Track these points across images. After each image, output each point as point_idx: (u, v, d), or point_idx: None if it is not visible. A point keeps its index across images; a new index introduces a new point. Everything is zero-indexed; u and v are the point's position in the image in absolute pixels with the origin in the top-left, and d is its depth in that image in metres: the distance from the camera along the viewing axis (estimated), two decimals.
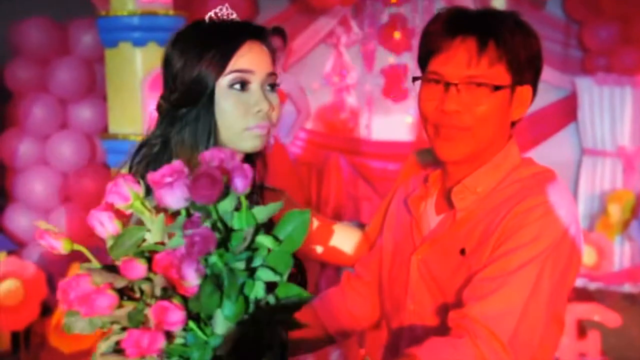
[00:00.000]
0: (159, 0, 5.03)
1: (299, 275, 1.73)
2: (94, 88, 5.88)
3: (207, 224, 1.18)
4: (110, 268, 1.21)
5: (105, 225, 1.24)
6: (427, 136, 1.69)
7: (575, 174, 6.90)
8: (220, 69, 1.65)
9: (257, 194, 1.75)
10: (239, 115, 1.66)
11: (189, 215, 1.19)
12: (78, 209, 5.86)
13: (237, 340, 1.17)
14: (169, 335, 1.16)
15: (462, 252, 1.63)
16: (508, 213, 1.58)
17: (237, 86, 1.66)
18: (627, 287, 6.41)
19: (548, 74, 6.46)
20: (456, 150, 1.64)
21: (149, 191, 1.24)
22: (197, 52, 1.66)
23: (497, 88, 1.60)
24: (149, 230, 1.24)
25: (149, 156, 1.69)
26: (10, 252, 5.24)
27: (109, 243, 1.24)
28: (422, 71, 1.68)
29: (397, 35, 7.19)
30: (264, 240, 1.20)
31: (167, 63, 1.70)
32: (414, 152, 1.94)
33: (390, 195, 1.93)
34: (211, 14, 1.68)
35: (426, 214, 1.75)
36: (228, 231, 1.20)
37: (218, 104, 1.66)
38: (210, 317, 1.18)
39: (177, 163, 1.20)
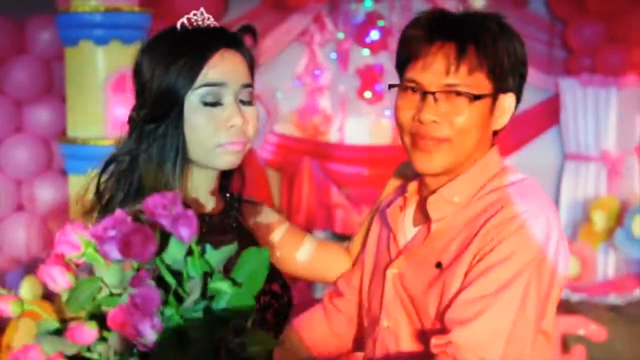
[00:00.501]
0: None
1: (284, 295, 1.72)
2: (52, 89, 5.82)
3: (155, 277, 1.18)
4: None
5: (57, 281, 1.22)
6: (403, 146, 1.66)
7: (557, 180, 6.92)
8: (189, 81, 1.58)
9: (236, 208, 1.74)
10: (210, 132, 1.59)
11: (138, 268, 1.19)
12: (33, 217, 5.85)
13: None
14: None
15: (438, 265, 1.61)
16: (483, 226, 1.56)
17: (209, 101, 1.58)
18: (612, 298, 6.43)
19: (530, 75, 6.41)
20: (433, 162, 1.62)
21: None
22: (166, 63, 1.59)
23: (477, 97, 1.58)
24: (103, 282, 1.22)
25: (117, 173, 1.66)
26: None
27: (64, 298, 1.22)
28: (400, 77, 1.67)
29: (373, 34, 7.14)
30: (220, 285, 1.18)
31: (136, 73, 1.66)
32: (398, 165, 1.90)
33: (373, 209, 1.91)
34: (184, 19, 1.62)
35: (403, 226, 1.73)
36: (182, 279, 1.18)
37: (187, 119, 1.60)
38: None
39: (119, 213, 1.16)
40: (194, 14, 1.62)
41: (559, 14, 6.87)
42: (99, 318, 1.17)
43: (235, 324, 1.18)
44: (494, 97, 1.62)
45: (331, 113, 7.13)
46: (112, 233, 1.15)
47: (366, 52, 7.15)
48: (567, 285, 6.21)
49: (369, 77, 7.15)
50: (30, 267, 5.03)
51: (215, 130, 1.59)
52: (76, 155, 4.95)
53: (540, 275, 1.54)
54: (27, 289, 4.76)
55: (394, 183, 1.89)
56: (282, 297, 1.71)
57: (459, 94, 1.57)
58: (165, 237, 1.19)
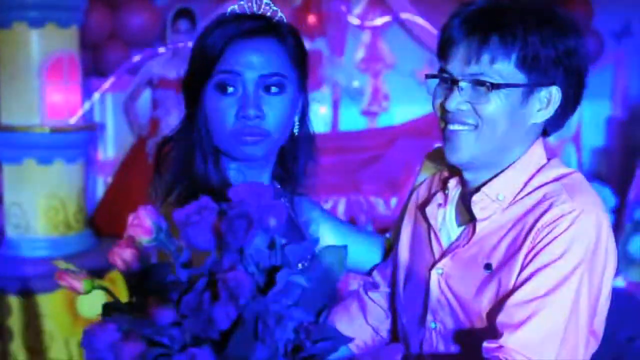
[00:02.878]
0: None
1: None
2: None
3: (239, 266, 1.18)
4: (135, 307, 1.22)
5: (128, 264, 1.24)
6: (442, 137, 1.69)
7: None
8: (207, 68, 1.59)
9: (290, 200, 1.78)
10: (221, 119, 1.61)
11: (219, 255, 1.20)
12: None
13: None
14: None
15: (488, 266, 1.60)
16: (535, 224, 1.55)
17: (220, 87, 1.60)
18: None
19: None
20: (460, 152, 1.62)
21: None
22: (198, 49, 1.62)
23: (496, 86, 1.56)
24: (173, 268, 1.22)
25: (168, 155, 1.70)
26: None
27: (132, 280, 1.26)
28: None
29: (311, 19, 7.16)
30: (297, 279, 1.19)
31: (190, 56, 1.67)
32: (428, 152, 1.90)
33: (406, 201, 1.90)
34: (235, 5, 1.64)
35: (446, 225, 1.71)
36: (261, 272, 1.18)
37: (205, 105, 1.62)
38: None
39: (204, 199, 1.18)
40: (243, 1, 1.64)
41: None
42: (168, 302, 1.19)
43: (309, 320, 1.20)
44: (529, 88, 1.59)
45: None
46: (195, 218, 1.17)
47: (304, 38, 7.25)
48: None
49: None
50: None
51: (226, 118, 1.60)
52: (10, 143, 5.03)
53: (593, 272, 1.52)
54: None
55: (427, 170, 1.87)
56: None
57: (478, 83, 1.57)
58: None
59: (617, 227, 6.22)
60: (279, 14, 1.66)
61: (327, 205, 5.71)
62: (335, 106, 7.50)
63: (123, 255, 1.23)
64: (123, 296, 1.30)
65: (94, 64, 6.25)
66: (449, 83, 1.61)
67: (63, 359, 4.76)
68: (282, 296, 1.18)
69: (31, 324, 4.76)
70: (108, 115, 6.33)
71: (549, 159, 1.66)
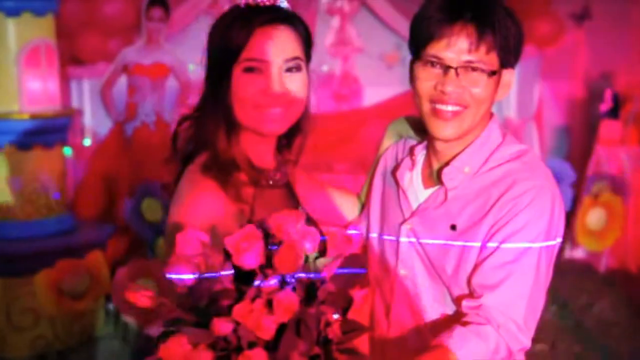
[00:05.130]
0: None
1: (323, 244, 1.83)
2: None
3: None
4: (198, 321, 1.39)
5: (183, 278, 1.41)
6: (421, 114, 1.80)
7: None
8: (235, 55, 1.71)
9: (284, 169, 1.85)
10: (250, 96, 1.72)
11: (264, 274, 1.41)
12: None
13: None
14: None
15: (453, 227, 1.77)
16: (500, 198, 1.73)
17: (249, 69, 1.71)
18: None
19: None
20: (449, 129, 1.76)
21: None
22: (220, 37, 1.73)
23: (492, 73, 1.73)
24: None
25: (188, 130, 1.81)
26: None
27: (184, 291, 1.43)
28: (415, 53, 1.78)
29: (281, 3, 7.12)
30: (326, 286, 1.46)
31: (208, 42, 1.77)
32: (391, 122, 2.05)
33: (373, 164, 2.03)
34: None
35: (413, 186, 1.88)
36: (302, 285, 1.43)
37: (233, 87, 1.73)
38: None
39: (249, 227, 1.40)
40: None
41: None
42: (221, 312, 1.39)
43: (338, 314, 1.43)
44: (499, 72, 1.75)
45: None
46: (244, 245, 1.37)
47: None
48: None
49: None
50: None
51: (254, 95, 1.72)
52: None
53: (549, 239, 1.72)
54: None
55: (390, 138, 2.02)
56: (322, 244, 1.77)
57: (475, 69, 1.71)
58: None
59: (575, 201, 6.34)
60: (286, 4, 1.77)
61: None
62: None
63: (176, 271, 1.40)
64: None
65: (71, 52, 6.23)
66: (442, 68, 1.73)
67: (49, 335, 4.77)
68: (319, 303, 1.41)
69: (17, 303, 4.74)
70: (85, 101, 6.33)
71: (503, 135, 1.83)
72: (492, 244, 1.71)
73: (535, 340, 4.76)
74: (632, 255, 6.28)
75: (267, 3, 1.74)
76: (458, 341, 1.63)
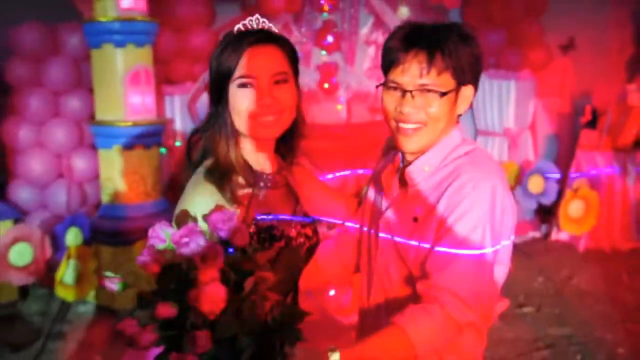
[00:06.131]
0: (136, 8, 4.95)
1: (314, 237, 1.74)
2: (82, 82, 5.76)
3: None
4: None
5: (149, 267, 1.32)
6: (389, 128, 1.68)
7: None
8: (229, 74, 1.61)
9: (284, 170, 1.74)
10: (245, 108, 1.60)
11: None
12: (72, 183, 5.77)
13: (252, 353, 1.26)
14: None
15: (415, 219, 1.64)
16: (447, 188, 1.58)
17: (243, 85, 1.60)
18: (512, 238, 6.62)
19: None
20: (411, 144, 1.65)
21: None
22: (217, 59, 1.62)
23: (444, 94, 1.58)
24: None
25: (197, 141, 1.69)
26: (16, 220, 5.13)
27: (156, 279, 1.33)
28: (385, 77, 1.66)
29: (329, 38, 7.17)
30: (267, 275, 1.29)
31: (210, 65, 1.66)
32: (386, 140, 1.91)
33: (374, 171, 1.93)
34: (240, 24, 1.63)
35: (390, 187, 1.74)
36: (239, 274, 1.28)
37: (230, 101, 1.62)
38: (233, 338, 1.25)
39: (192, 226, 1.28)
40: (250, 20, 1.64)
41: (471, 23, 6.85)
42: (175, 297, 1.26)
43: (277, 300, 1.28)
44: (458, 90, 1.61)
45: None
46: (185, 240, 1.27)
47: (324, 52, 7.19)
48: None
49: (326, 72, 7.21)
50: (73, 220, 5.07)
51: (248, 107, 1.59)
52: (102, 134, 5.02)
53: (492, 221, 1.54)
54: (71, 237, 4.86)
55: (385, 150, 1.87)
56: (312, 238, 1.73)
57: (430, 91, 1.57)
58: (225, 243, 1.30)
59: (560, 193, 6.30)
60: (273, 27, 1.66)
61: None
62: (348, 104, 7.48)
63: (144, 260, 1.31)
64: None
65: (165, 74, 6.25)
66: (400, 92, 1.60)
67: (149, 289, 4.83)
68: (258, 287, 1.26)
69: (123, 266, 4.81)
70: (176, 113, 6.32)
71: (462, 139, 1.68)
72: (441, 231, 1.57)
73: (524, 304, 4.81)
74: (605, 238, 6.22)
75: (256, 27, 1.64)
76: (408, 320, 1.50)
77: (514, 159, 6.72)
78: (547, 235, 6.64)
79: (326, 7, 7.13)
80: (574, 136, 6.76)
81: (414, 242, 1.63)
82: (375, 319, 1.76)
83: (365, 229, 1.83)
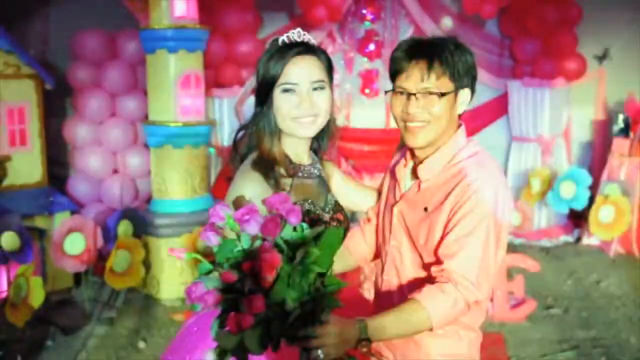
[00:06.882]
0: (188, 17, 5.03)
1: (344, 222, 1.86)
2: (137, 85, 5.86)
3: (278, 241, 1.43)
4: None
5: (211, 240, 1.45)
6: (399, 128, 1.83)
7: (505, 156, 6.96)
8: (275, 80, 1.74)
9: (318, 163, 1.89)
10: (287, 110, 1.74)
11: (264, 239, 1.44)
12: (125, 179, 5.91)
13: (298, 315, 1.41)
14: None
15: (425, 209, 1.79)
16: (455, 187, 1.73)
17: (286, 91, 1.74)
18: (544, 242, 6.57)
19: (486, 78, 6.65)
20: (418, 140, 1.79)
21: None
22: (265, 66, 1.75)
23: (443, 94, 1.74)
24: (238, 242, 1.45)
25: (244, 137, 1.82)
26: (73, 212, 5.27)
27: (215, 250, 1.46)
28: (392, 84, 1.82)
29: (371, 46, 7.18)
30: (313, 250, 1.45)
31: (257, 71, 1.79)
32: (400, 140, 2.00)
33: (389, 165, 2.04)
34: (284, 36, 1.76)
35: (404, 179, 1.89)
36: (291, 247, 1.43)
37: (275, 103, 1.76)
38: (282, 302, 1.41)
39: (252, 205, 1.44)
40: (292, 32, 1.76)
41: (507, 33, 6.89)
42: (235, 266, 1.42)
43: (320, 272, 1.43)
44: (456, 92, 1.76)
45: (340, 105, 7.07)
46: (247, 217, 1.41)
47: (365, 59, 7.18)
48: (512, 232, 6.31)
49: (368, 78, 7.20)
50: (124, 213, 5.16)
51: (290, 109, 1.73)
52: (155, 133, 5.10)
53: (494, 222, 1.71)
54: (123, 229, 4.97)
55: (400, 147, 1.98)
56: (343, 223, 1.84)
57: (431, 93, 1.72)
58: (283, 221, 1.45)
59: (592, 199, 6.17)
60: (312, 40, 1.78)
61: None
62: (387, 110, 7.36)
63: (207, 235, 1.44)
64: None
65: (214, 79, 6.30)
66: (406, 95, 1.76)
67: (190, 281, 4.83)
68: (306, 259, 1.42)
69: (168, 258, 4.89)
70: (224, 114, 6.40)
71: (467, 141, 1.82)
72: (451, 223, 1.71)
73: (551, 306, 4.76)
74: (636, 243, 6.11)
75: (298, 40, 1.75)
76: (426, 295, 1.65)
77: (547, 164, 6.66)
78: (578, 239, 6.57)
79: (368, 17, 7.14)
80: (608, 143, 6.65)
81: (423, 230, 1.78)
82: (387, 298, 1.89)
83: (381, 215, 1.96)
